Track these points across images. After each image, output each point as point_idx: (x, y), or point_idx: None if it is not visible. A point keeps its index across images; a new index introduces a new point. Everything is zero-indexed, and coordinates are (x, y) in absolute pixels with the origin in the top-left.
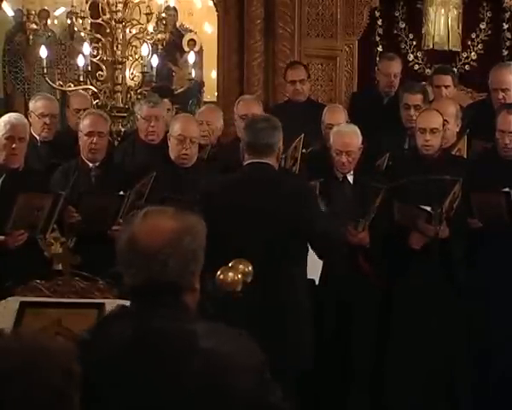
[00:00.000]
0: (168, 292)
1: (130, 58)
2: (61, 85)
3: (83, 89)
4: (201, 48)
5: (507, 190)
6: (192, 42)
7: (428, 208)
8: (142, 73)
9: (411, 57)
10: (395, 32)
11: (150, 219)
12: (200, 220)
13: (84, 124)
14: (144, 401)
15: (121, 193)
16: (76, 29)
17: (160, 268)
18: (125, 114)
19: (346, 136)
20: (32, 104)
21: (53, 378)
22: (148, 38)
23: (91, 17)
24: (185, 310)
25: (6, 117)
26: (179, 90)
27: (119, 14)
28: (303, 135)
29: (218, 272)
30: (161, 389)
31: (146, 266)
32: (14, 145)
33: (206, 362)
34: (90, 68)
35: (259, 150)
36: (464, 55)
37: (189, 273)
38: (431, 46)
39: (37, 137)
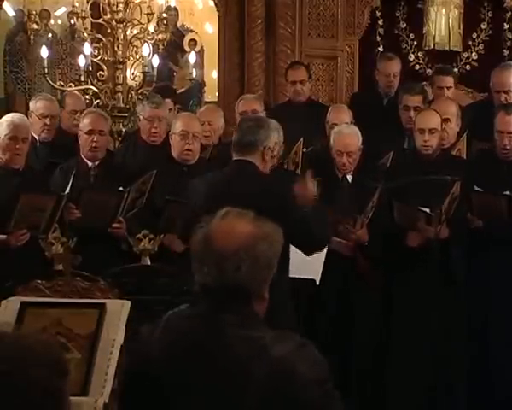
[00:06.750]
0: (238, 297)
1: (131, 58)
2: (62, 85)
3: (83, 89)
4: (202, 48)
5: (507, 193)
6: (193, 42)
7: (427, 210)
8: (143, 73)
9: (412, 57)
10: (396, 32)
11: (229, 220)
12: (278, 229)
13: (85, 123)
14: (209, 405)
15: (121, 189)
16: (77, 29)
17: (233, 271)
18: (126, 114)
19: (346, 137)
20: (32, 104)
21: (42, 375)
22: (149, 38)
23: (92, 17)
24: (253, 317)
25: (8, 117)
26: (180, 91)
27: (120, 14)
28: (302, 139)
29: None
30: (228, 395)
31: (218, 266)
32: (18, 146)
33: (275, 370)
34: (90, 68)
35: (242, 148)
36: (465, 55)
37: (260, 281)
38: (432, 46)
39: (37, 138)
